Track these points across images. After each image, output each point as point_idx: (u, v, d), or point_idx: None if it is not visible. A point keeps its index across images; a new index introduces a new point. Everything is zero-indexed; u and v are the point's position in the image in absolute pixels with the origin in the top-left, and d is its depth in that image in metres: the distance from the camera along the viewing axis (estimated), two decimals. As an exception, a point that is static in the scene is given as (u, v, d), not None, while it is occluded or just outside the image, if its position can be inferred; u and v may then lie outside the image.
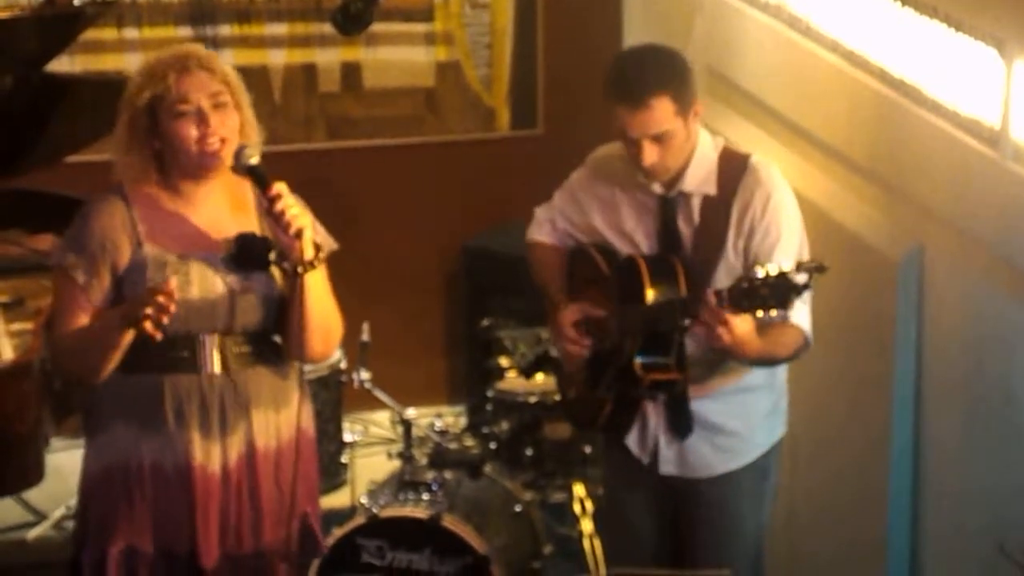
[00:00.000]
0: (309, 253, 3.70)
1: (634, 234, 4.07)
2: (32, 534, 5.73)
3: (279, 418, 3.90)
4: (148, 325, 3.57)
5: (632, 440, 4.17)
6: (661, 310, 3.90)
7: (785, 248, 3.92)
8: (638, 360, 3.94)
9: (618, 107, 3.91)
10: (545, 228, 4.30)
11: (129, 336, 3.67)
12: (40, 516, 5.79)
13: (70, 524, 5.28)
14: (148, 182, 3.77)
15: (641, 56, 4.06)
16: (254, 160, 3.70)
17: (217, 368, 3.79)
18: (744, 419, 4.11)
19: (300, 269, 3.70)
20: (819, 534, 5.01)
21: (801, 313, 3.93)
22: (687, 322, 3.80)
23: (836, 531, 4.92)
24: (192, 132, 3.69)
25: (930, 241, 4.45)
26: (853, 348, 4.71)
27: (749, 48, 5.30)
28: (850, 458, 4.80)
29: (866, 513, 4.71)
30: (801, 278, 3.57)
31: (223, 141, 3.72)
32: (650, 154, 3.91)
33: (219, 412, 3.80)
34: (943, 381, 4.44)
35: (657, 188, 4.02)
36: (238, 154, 3.72)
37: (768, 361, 3.98)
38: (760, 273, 3.60)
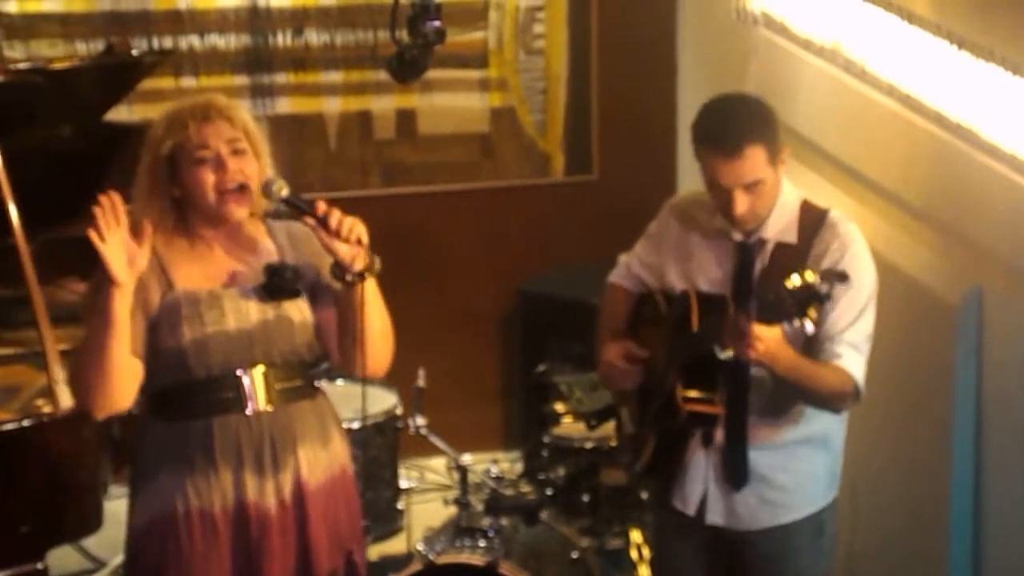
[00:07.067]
0: (366, 259, 3.71)
1: (705, 280, 4.03)
2: (91, 581, 5.77)
3: (326, 454, 3.91)
4: (93, 233, 3.60)
5: (676, 498, 4.14)
6: (702, 337, 3.85)
7: (853, 299, 3.85)
8: (679, 390, 3.92)
9: (711, 157, 3.88)
10: (621, 271, 4.30)
11: (119, 304, 3.63)
12: (99, 563, 5.80)
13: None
14: (166, 227, 3.79)
15: (732, 105, 4.01)
16: (285, 192, 3.73)
17: (263, 404, 3.81)
18: (793, 474, 4.05)
19: (367, 273, 3.71)
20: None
21: (851, 359, 3.88)
22: (726, 350, 3.77)
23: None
24: (210, 178, 3.73)
25: (988, 283, 4.42)
26: (912, 392, 4.68)
27: (804, 92, 5.30)
28: (911, 505, 4.77)
29: (927, 560, 4.67)
30: (823, 287, 3.53)
31: (242, 186, 3.75)
32: (742, 203, 3.88)
33: (270, 448, 3.80)
34: (1004, 423, 4.41)
35: (736, 235, 4.00)
36: (267, 191, 3.75)
37: (800, 384, 3.88)
38: (788, 285, 3.57)
